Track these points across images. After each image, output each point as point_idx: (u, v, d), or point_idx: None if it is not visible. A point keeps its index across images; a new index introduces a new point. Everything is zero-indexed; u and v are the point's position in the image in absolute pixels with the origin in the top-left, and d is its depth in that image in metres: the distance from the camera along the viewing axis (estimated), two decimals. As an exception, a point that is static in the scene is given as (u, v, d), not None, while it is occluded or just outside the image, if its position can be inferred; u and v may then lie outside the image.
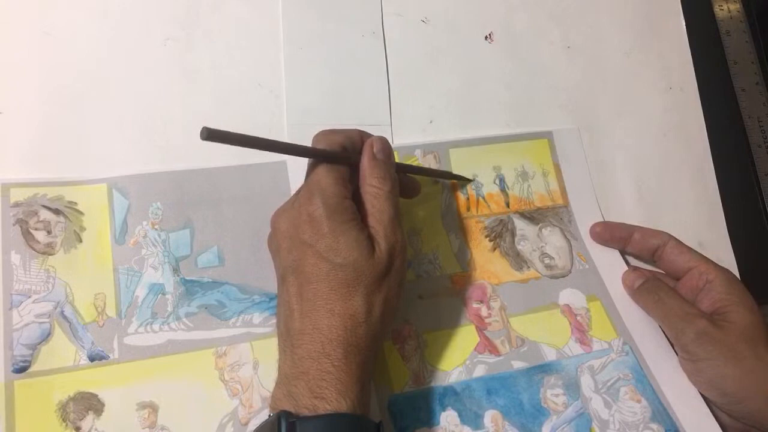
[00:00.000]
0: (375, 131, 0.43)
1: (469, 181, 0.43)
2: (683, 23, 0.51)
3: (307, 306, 0.31)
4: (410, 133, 0.44)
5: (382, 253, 0.32)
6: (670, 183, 0.47)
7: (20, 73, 0.39)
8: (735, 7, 0.52)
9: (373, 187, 0.34)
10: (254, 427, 0.30)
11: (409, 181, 0.39)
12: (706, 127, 0.49)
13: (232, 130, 0.40)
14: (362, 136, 0.35)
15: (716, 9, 0.52)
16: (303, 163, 0.40)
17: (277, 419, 0.28)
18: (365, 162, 0.34)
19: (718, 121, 0.49)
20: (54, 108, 0.39)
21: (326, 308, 0.31)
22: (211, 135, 0.28)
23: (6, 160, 0.37)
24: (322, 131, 0.35)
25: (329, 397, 0.29)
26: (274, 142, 0.32)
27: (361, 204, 0.34)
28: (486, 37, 0.48)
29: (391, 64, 0.45)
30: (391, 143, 0.36)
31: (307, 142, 0.41)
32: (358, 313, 0.31)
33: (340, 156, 0.34)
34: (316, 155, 0.33)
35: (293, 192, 0.39)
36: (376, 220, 0.33)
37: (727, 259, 0.45)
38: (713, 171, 0.47)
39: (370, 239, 0.32)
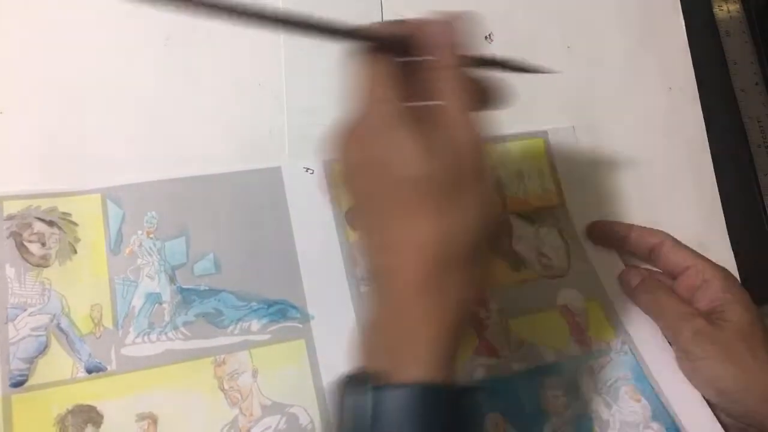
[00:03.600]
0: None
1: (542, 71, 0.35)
2: (683, 23, 0.51)
3: (372, 239, 0.27)
4: (409, 133, 0.44)
5: (458, 154, 0.26)
6: (670, 183, 0.47)
7: (18, 73, 0.39)
8: (735, 8, 0.52)
9: (442, 79, 0.27)
10: None
11: (488, 83, 0.30)
12: (706, 127, 0.48)
13: (233, 130, 0.40)
14: (422, 25, 0.28)
15: (716, 9, 0.52)
16: (298, 170, 0.40)
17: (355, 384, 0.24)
18: (434, 50, 0.27)
19: (718, 121, 0.49)
20: (51, 109, 0.39)
21: (393, 239, 0.26)
22: None
23: (3, 161, 0.37)
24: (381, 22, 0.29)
25: (409, 358, 0.24)
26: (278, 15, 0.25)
27: (421, 104, 0.27)
28: (486, 37, 0.47)
29: (391, 64, 0.45)
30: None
31: (308, 143, 0.41)
32: (434, 235, 0.25)
33: (388, 37, 0.27)
34: (358, 36, 0.27)
35: (288, 198, 0.39)
36: (446, 115, 0.26)
37: (727, 259, 0.45)
38: (713, 171, 0.47)
39: (439, 141, 0.26)
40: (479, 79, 0.29)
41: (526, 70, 0.33)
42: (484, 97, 0.29)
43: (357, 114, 0.27)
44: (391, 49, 0.27)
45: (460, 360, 0.26)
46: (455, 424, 0.24)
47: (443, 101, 0.26)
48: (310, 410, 0.35)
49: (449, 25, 0.27)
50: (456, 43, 0.27)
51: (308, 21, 0.25)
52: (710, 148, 0.48)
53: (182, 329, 0.35)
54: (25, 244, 0.35)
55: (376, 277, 0.27)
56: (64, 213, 0.36)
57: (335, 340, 0.37)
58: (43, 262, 0.35)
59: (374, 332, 0.26)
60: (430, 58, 0.27)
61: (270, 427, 0.34)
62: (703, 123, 0.49)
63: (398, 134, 0.26)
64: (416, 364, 0.24)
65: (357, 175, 0.27)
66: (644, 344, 0.40)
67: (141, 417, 0.33)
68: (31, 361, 0.33)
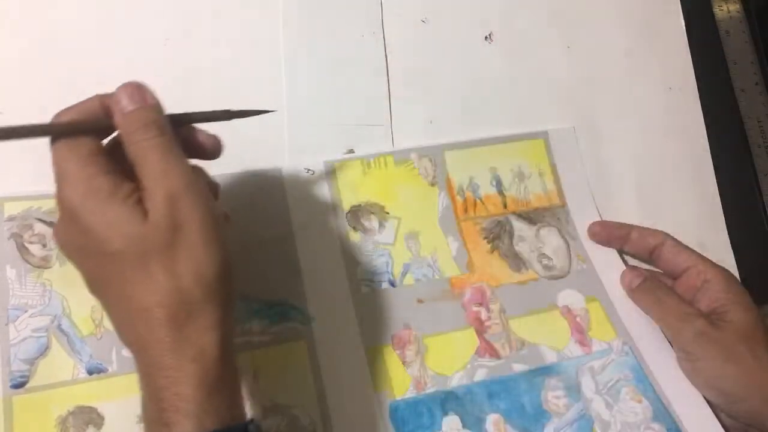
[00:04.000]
0: (375, 131, 0.43)
1: (261, 112, 0.35)
2: (683, 23, 0.51)
3: (116, 314, 0.27)
4: (410, 133, 0.44)
5: (157, 209, 0.26)
6: (670, 183, 0.47)
7: (18, 73, 0.39)
8: (735, 8, 0.52)
9: (132, 144, 0.27)
10: None
11: (197, 136, 0.31)
12: (706, 127, 0.48)
13: (233, 131, 0.40)
14: (104, 98, 0.29)
15: (716, 9, 0.52)
16: (299, 171, 0.40)
17: None
18: (116, 119, 0.28)
19: (718, 121, 0.49)
20: (52, 109, 0.38)
21: (133, 308, 0.26)
22: None
23: (3, 162, 0.37)
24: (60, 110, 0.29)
25: (174, 421, 0.24)
26: None
27: (132, 172, 0.27)
28: (486, 37, 0.47)
29: (391, 64, 0.45)
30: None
31: (308, 142, 0.41)
32: (166, 292, 0.25)
33: (79, 125, 0.28)
34: (49, 131, 0.28)
35: (289, 199, 0.39)
36: (142, 176, 0.27)
37: (727, 259, 0.45)
38: (713, 171, 0.47)
39: (143, 205, 0.26)
40: (183, 133, 0.30)
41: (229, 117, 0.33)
42: (190, 149, 0.30)
43: (62, 202, 0.27)
44: (85, 131, 0.28)
45: (240, 394, 0.28)
46: None
47: (138, 165, 0.27)
48: (311, 411, 0.35)
49: (124, 93, 0.28)
50: (136, 110, 0.28)
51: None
52: (710, 148, 0.48)
53: (183, 330, 0.35)
54: (26, 245, 0.35)
55: (128, 350, 0.27)
56: (64, 214, 0.36)
57: (336, 340, 0.37)
58: (43, 264, 0.35)
59: (146, 403, 0.26)
60: (119, 131, 0.28)
61: (271, 428, 0.34)
62: (703, 123, 0.49)
63: (98, 209, 0.26)
64: (187, 423, 0.24)
65: (80, 258, 0.28)
66: (645, 345, 0.40)
67: (142, 418, 0.33)
68: (32, 362, 0.33)
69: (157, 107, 0.29)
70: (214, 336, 0.26)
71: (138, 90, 0.29)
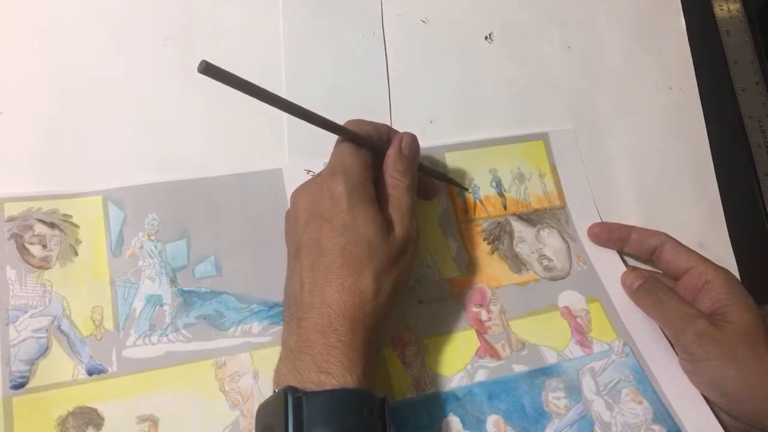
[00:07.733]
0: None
1: (463, 188, 0.43)
2: (683, 23, 0.51)
3: (318, 279, 0.32)
4: (410, 133, 0.44)
5: (396, 237, 0.33)
6: (670, 183, 0.47)
7: (19, 73, 0.39)
8: (735, 7, 0.52)
9: (394, 178, 0.35)
10: None
11: (428, 182, 0.41)
12: (706, 127, 0.48)
13: (234, 132, 0.41)
14: (390, 131, 0.37)
15: (716, 9, 0.52)
16: (299, 172, 0.40)
17: (283, 395, 0.28)
18: (392, 153, 0.36)
19: (718, 121, 0.49)
20: (52, 109, 0.39)
21: (337, 282, 0.31)
22: (208, 70, 0.27)
23: (3, 162, 0.37)
24: (354, 119, 0.36)
25: (335, 372, 0.29)
26: (295, 105, 0.31)
27: (381, 192, 0.35)
28: (486, 37, 0.47)
29: (391, 64, 0.45)
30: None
31: (308, 142, 0.41)
32: (367, 290, 0.32)
33: (367, 140, 0.35)
34: (344, 133, 0.34)
35: (289, 200, 0.39)
36: (394, 208, 0.35)
37: (727, 260, 0.45)
38: (713, 171, 0.47)
39: (386, 223, 0.34)
40: (423, 180, 0.39)
41: (447, 182, 0.43)
42: (423, 191, 0.40)
43: (332, 182, 0.33)
44: (367, 146, 0.35)
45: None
46: (370, 418, 0.29)
47: (389, 194, 0.35)
48: (311, 412, 0.35)
49: (408, 140, 0.36)
50: (407, 157, 0.36)
51: (314, 116, 0.33)
52: (710, 148, 0.48)
53: (183, 331, 0.35)
54: (26, 245, 0.35)
55: (303, 301, 0.32)
56: (65, 215, 0.36)
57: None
58: (44, 264, 0.35)
59: (299, 353, 0.30)
60: (388, 161, 0.36)
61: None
62: (704, 123, 0.49)
63: (363, 204, 0.33)
64: (349, 377, 0.30)
65: (311, 221, 0.33)
66: (646, 346, 0.40)
67: (142, 419, 0.33)
68: (32, 363, 0.33)
69: (417, 160, 0.37)
70: (380, 336, 0.33)
71: (415, 143, 0.37)
